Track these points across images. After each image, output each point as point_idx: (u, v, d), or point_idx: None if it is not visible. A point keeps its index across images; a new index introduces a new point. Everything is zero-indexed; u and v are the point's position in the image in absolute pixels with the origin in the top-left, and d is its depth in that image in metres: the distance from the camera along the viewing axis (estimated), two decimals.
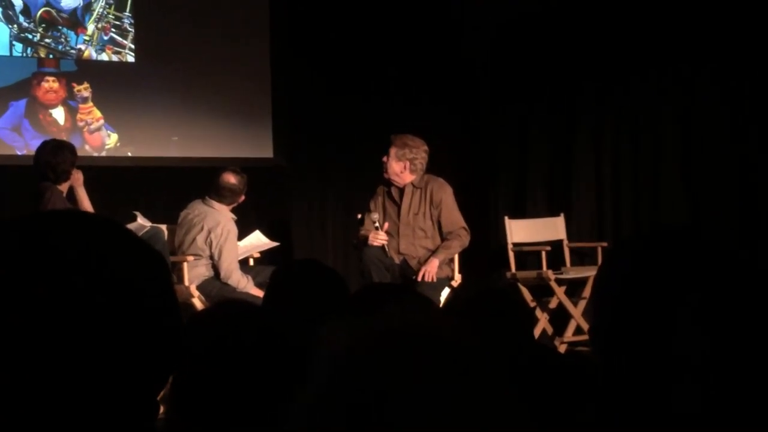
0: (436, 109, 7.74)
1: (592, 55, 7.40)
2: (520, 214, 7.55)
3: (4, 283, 0.94)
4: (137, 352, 0.96)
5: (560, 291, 6.78)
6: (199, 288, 5.81)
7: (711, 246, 1.31)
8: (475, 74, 8.03)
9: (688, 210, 6.98)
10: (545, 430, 1.71)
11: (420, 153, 5.97)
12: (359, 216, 6.32)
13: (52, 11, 7.06)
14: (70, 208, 4.99)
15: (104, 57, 7.24)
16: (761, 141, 6.69)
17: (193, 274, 5.84)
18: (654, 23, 7.10)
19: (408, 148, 5.94)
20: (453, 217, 5.96)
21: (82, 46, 7.16)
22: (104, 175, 6.65)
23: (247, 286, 5.88)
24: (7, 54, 6.91)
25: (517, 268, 7.12)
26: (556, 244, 7.26)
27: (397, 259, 5.93)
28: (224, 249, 5.90)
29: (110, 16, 7.24)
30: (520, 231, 7.27)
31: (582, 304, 6.75)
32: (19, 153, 6.84)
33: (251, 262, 6.54)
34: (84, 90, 7.11)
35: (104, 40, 7.22)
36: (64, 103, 7.07)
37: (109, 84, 7.17)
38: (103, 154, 7.16)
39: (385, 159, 5.98)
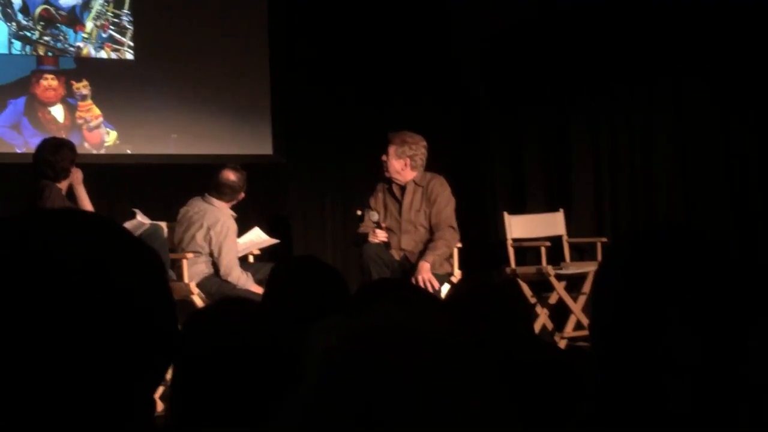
0: (433, 107, 7.74)
1: (588, 53, 7.40)
2: (519, 209, 7.55)
3: None
4: (131, 350, 0.97)
5: (560, 286, 6.79)
6: (198, 285, 5.82)
7: (704, 244, 1.31)
8: (472, 71, 8.03)
9: (684, 204, 7.01)
10: (542, 427, 1.71)
11: (419, 149, 5.97)
12: (358, 212, 6.33)
13: (51, 9, 7.06)
14: (67, 207, 4.98)
15: (103, 54, 7.24)
16: (753, 138, 6.72)
17: (192, 271, 5.84)
18: (650, 24, 7.11)
19: (407, 145, 5.94)
20: (444, 213, 5.93)
21: (81, 44, 7.15)
22: (103, 172, 6.66)
23: (246, 283, 5.88)
24: (6, 52, 6.91)
25: (517, 264, 7.12)
26: (556, 240, 7.26)
27: (397, 256, 5.94)
28: (224, 246, 5.90)
29: (109, 13, 7.24)
30: (519, 226, 7.27)
31: (582, 299, 6.75)
32: (18, 151, 6.85)
33: (251, 259, 6.55)
34: (83, 87, 7.11)
35: (103, 38, 7.22)
36: (63, 100, 7.07)
37: (108, 81, 7.17)
38: (103, 151, 7.16)
39: (384, 158, 5.96)
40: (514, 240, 7.23)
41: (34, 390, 0.93)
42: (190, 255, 5.83)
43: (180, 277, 5.76)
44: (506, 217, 7.29)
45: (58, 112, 7.05)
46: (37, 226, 0.99)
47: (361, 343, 0.82)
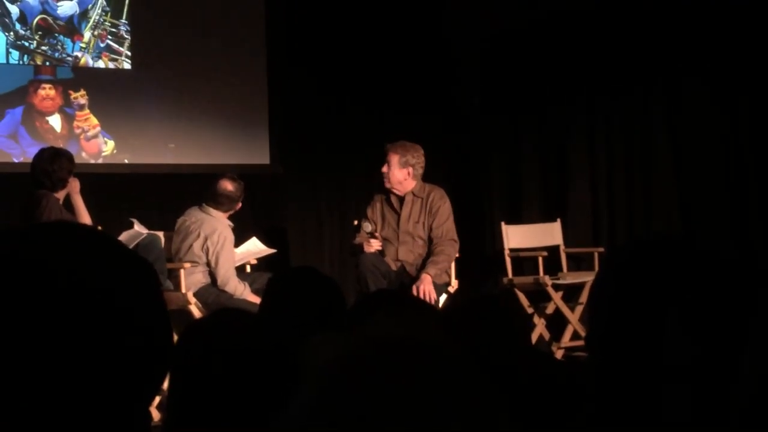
0: (431, 116, 7.74)
1: (584, 62, 7.41)
2: (516, 219, 7.55)
3: None
4: (125, 363, 0.97)
5: (557, 296, 6.79)
6: (196, 295, 5.81)
7: (700, 254, 1.31)
8: (469, 80, 8.03)
9: (682, 214, 7.02)
10: None
11: (420, 157, 5.97)
12: (356, 222, 6.32)
13: (49, 19, 7.06)
14: (59, 220, 4.98)
15: (101, 64, 7.24)
16: (751, 147, 6.73)
17: (190, 281, 5.84)
18: (646, 30, 7.12)
19: (409, 154, 5.94)
20: (446, 225, 5.94)
21: (79, 54, 7.16)
22: (101, 182, 6.65)
23: (244, 293, 5.88)
24: (4, 62, 6.91)
25: (514, 274, 7.12)
26: (553, 250, 7.26)
27: (394, 266, 5.93)
28: (221, 256, 5.90)
29: (106, 23, 7.25)
30: (516, 236, 7.27)
31: (579, 309, 6.75)
32: (15, 160, 6.85)
33: (248, 268, 6.54)
34: (81, 97, 7.12)
35: (101, 48, 7.23)
36: (60, 110, 7.07)
37: (105, 91, 7.18)
38: (100, 161, 7.16)
39: (385, 169, 5.94)
40: (511, 250, 7.23)
41: (27, 404, 0.93)
42: (187, 265, 5.83)
43: (177, 286, 5.75)
44: (503, 227, 7.29)
45: (55, 121, 7.05)
46: (27, 241, 0.99)
47: (359, 358, 0.82)
